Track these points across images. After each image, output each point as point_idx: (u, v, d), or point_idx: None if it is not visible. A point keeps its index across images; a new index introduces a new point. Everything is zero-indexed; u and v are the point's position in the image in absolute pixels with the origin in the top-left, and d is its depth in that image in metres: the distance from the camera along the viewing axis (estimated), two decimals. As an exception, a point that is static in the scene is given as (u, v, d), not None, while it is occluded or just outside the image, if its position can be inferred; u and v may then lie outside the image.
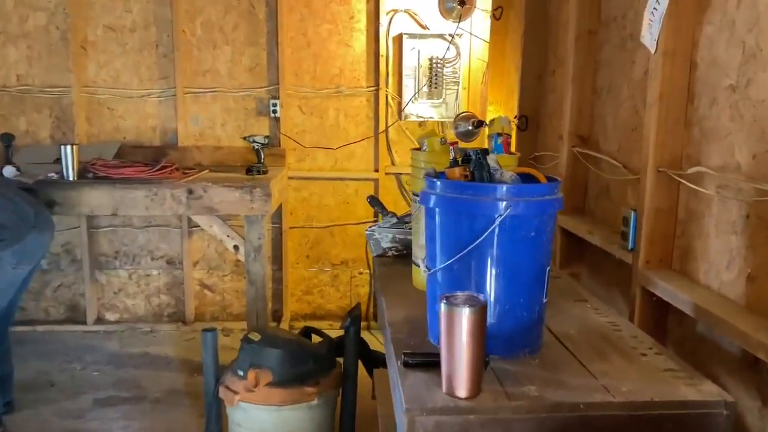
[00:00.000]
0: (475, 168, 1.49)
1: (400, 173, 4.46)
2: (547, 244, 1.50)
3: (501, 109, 3.70)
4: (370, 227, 2.38)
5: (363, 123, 4.41)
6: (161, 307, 4.52)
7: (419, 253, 1.99)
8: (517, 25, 3.47)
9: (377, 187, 4.45)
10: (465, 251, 1.43)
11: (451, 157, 1.60)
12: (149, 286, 4.50)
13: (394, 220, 2.33)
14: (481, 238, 1.40)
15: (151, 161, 3.67)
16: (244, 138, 3.86)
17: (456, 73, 4.26)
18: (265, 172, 3.80)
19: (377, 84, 4.33)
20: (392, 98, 4.36)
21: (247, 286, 3.57)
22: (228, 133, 4.36)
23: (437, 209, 1.52)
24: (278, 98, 4.28)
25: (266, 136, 3.88)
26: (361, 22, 4.30)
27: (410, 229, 2.32)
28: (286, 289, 4.48)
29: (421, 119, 4.34)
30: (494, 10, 3.62)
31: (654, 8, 1.76)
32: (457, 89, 4.29)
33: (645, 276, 1.84)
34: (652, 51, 1.78)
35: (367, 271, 4.58)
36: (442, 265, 1.50)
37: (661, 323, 1.90)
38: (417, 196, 2.00)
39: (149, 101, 4.30)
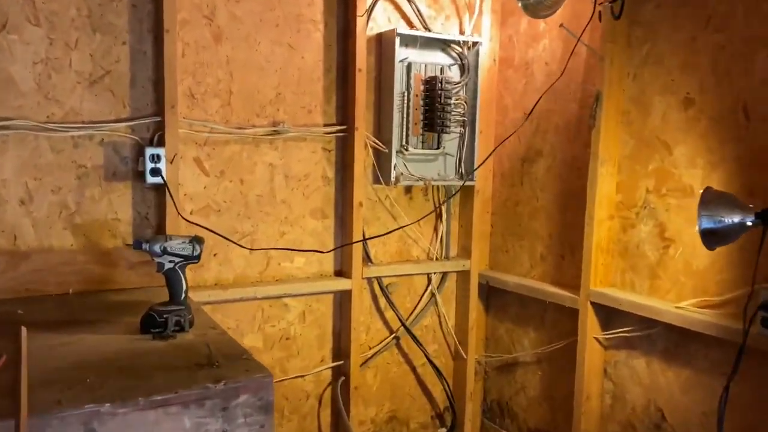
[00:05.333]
0: None
1: (381, 276, 2.54)
2: None
3: (615, 172, 2.14)
4: None
5: (318, 191, 2.40)
6: None
7: None
8: (671, 25, 1.97)
9: (346, 304, 2.45)
10: None
11: None
12: None
13: None
14: None
15: None
16: (136, 246, 1.57)
17: (462, 104, 2.56)
18: (189, 324, 1.58)
19: (346, 120, 2.38)
20: (371, 145, 2.44)
21: None
22: (38, 218, 1.93)
23: None
24: (161, 143, 2.03)
25: (195, 238, 1.65)
26: (316, 6, 2.31)
27: None
28: None
29: (412, 182, 2.51)
30: (612, 0, 2.06)
31: None
32: (463, 132, 2.58)
33: None
34: None
35: (321, 458, 2.52)
36: None
37: None
38: None
39: None
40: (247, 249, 2.22)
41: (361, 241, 2.38)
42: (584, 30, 2.14)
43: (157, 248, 1.57)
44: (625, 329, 2.13)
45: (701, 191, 1.54)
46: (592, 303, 2.19)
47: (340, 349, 2.48)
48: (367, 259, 2.49)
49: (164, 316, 1.54)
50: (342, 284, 2.40)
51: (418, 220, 2.56)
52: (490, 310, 2.77)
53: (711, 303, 1.89)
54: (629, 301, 2.06)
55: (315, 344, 2.45)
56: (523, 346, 2.60)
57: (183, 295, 1.60)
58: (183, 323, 1.56)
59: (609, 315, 2.20)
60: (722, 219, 1.49)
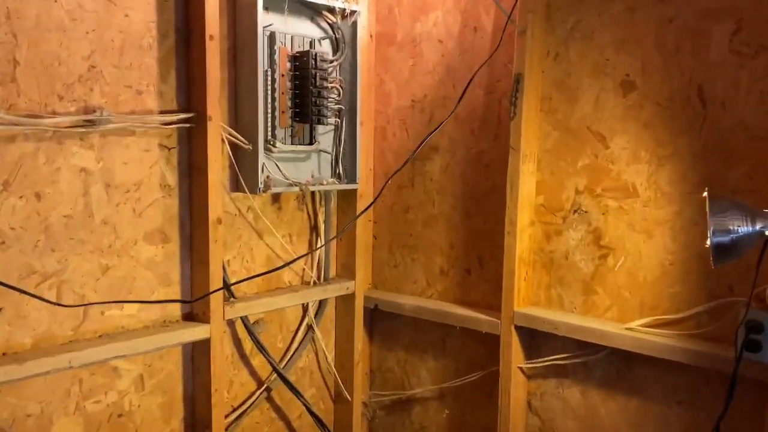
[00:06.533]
0: None
1: (247, 315, 1.93)
2: None
3: (534, 169, 1.80)
4: None
5: (155, 205, 1.72)
6: None
7: None
8: None
9: (202, 357, 1.81)
10: None
11: None
12: None
13: None
14: None
15: None
16: None
17: (336, 89, 2.04)
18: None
19: (193, 106, 1.73)
20: (228, 140, 1.82)
21: None
22: None
23: None
24: None
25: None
26: (143, -55, 1.64)
27: None
28: None
29: (285, 188, 1.94)
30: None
31: None
32: (339, 123, 2.07)
33: None
34: None
35: None
36: None
37: None
38: None
39: None
40: (52, 304, 1.49)
41: (234, 284, 1.77)
42: (516, 3, 1.74)
43: None
44: (558, 356, 1.80)
45: (705, 194, 1.22)
46: (517, 327, 1.82)
47: (196, 418, 1.84)
48: (228, 293, 1.87)
49: None
50: (196, 332, 1.76)
51: (302, 256, 2.03)
52: (374, 338, 2.30)
53: (665, 321, 1.62)
54: (567, 324, 1.73)
55: (160, 417, 1.78)
56: (420, 379, 2.17)
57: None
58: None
59: (533, 339, 1.86)
60: (737, 228, 1.18)
